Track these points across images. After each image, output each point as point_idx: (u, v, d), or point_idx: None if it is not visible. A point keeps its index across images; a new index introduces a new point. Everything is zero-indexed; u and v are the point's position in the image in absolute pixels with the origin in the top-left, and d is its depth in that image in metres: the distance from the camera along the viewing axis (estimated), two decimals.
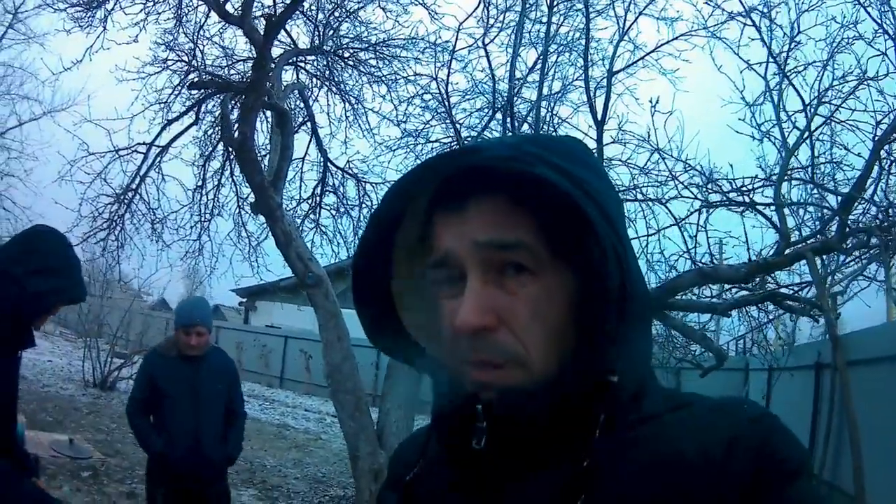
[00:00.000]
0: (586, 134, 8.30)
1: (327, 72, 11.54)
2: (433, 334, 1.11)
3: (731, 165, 7.30)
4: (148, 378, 5.71)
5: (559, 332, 0.99)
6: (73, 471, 9.15)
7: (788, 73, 7.02)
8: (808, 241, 6.90)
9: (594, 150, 7.87)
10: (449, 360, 1.05)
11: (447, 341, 1.03)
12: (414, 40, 10.56)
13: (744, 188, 7.10)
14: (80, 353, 20.69)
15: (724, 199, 7.22)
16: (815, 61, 7.06)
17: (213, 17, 10.16)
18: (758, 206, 7.06)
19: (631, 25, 7.97)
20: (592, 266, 0.97)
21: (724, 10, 7.32)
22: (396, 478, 1.19)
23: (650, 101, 7.40)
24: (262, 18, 8.66)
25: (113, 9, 10.05)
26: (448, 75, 8.66)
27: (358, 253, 1.11)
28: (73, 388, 18.29)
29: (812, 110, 6.97)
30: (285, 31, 10.83)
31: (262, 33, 7.87)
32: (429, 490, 1.11)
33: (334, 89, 11.64)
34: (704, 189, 7.31)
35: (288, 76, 11.37)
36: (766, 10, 7.03)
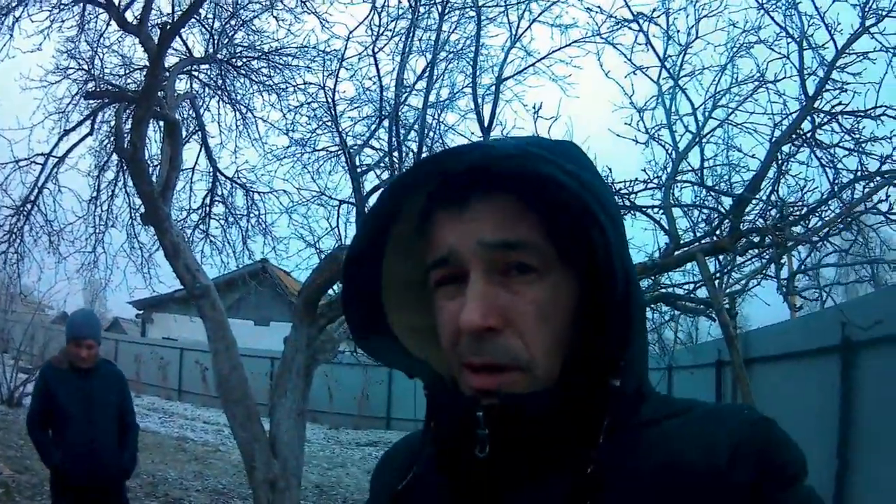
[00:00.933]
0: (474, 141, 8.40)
1: (220, 80, 11.51)
2: (427, 337, 1.11)
3: (610, 169, 7.33)
4: (43, 390, 5.82)
5: (563, 334, 0.99)
6: None
7: (681, 78, 7.20)
8: (700, 243, 7.04)
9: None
10: (447, 363, 1.05)
11: (446, 344, 1.02)
12: (305, 49, 10.63)
13: (622, 190, 7.20)
14: None
15: None
16: (711, 66, 7.27)
17: (114, 25, 10.03)
18: (643, 209, 7.22)
19: (524, 32, 8.03)
20: (597, 269, 0.95)
21: (613, 16, 7.44)
22: (382, 490, 1.18)
23: (532, 108, 7.46)
24: (157, 28, 8.64)
25: (20, 16, 9.97)
26: (336, 84, 8.69)
27: (351, 252, 1.10)
28: None
29: (707, 113, 7.17)
30: (181, 39, 10.79)
31: (157, 42, 7.87)
32: (423, 498, 1.08)
33: (226, 98, 11.65)
34: None
35: (182, 85, 11.37)
36: (651, 16, 7.20)
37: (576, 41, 7.84)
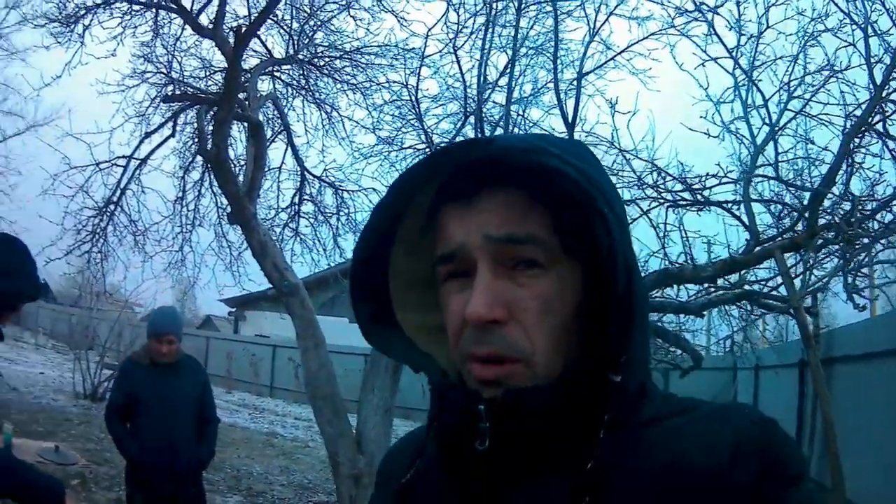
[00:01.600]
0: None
1: (303, 80, 11.58)
2: (433, 333, 1.12)
3: (682, 164, 7.25)
4: (124, 385, 5.95)
5: (566, 329, 1.00)
6: (60, 479, 9.29)
7: (755, 69, 6.99)
8: (779, 239, 6.86)
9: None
10: (451, 356, 1.06)
11: (451, 336, 1.03)
12: (386, 47, 10.63)
13: (694, 186, 7.09)
14: (71, 365, 20.76)
15: (679, 197, 7.24)
16: (783, 56, 7.02)
17: (189, 28, 10.18)
18: (722, 204, 7.04)
19: (601, 26, 7.89)
20: (601, 264, 0.97)
21: (679, 8, 7.27)
22: (387, 484, 1.18)
23: (609, 103, 7.41)
24: (231, 32, 8.71)
25: (90, 24, 10.11)
26: (418, 81, 8.73)
27: (358, 246, 1.10)
28: (63, 400, 18.39)
29: (782, 105, 6.95)
30: (260, 41, 10.94)
31: (233, 45, 7.93)
32: (424, 494, 1.09)
33: (310, 98, 11.71)
34: (661, 189, 7.34)
35: (265, 86, 11.45)
36: (715, 7, 7.00)
37: (653, 33, 7.68)
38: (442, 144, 8.67)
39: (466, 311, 0.96)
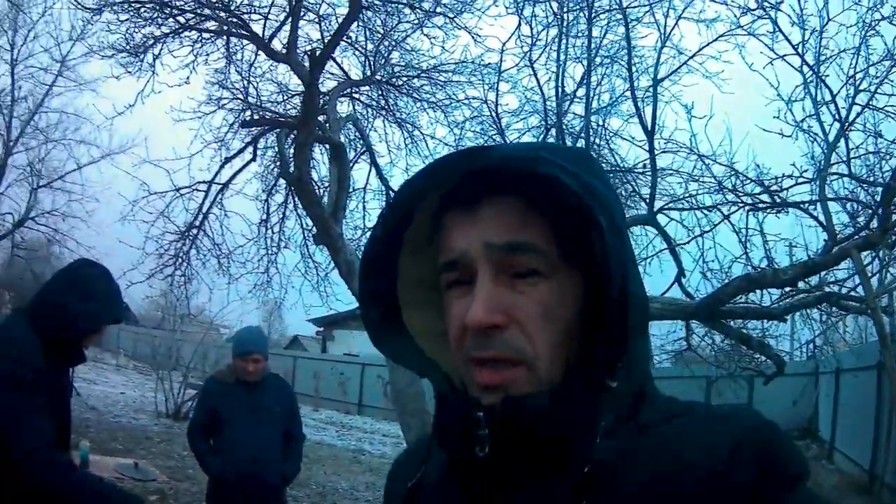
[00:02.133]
0: (640, 146, 8.34)
1: (382, 101, 11.62)
2: (439, 339, 1.12)
3: (759, 166, 7.14)
4: (207, 403, 6.00)
5: (566, 335, 1.00)
6: (139, 495, 9.44)
7: (821, 64, 6.88)
8: (855, 238, 6.72)
9: (647, 161, 7.95)
10: (454, 361, 1.07)
11: (453, 341, 1.04)
12: (463, 64, 10.65)
13: (772, 188, 6.95)
14: (153, 386, 21.22)
15: (758, 200, 7.09)
16: (846, 49, 6.89)
17: (263, 54, 10.31)
18: (801, 205, 6.95)
19: (671, 30, 7.94)
20: (598, 271, 0.97)
21: (745, 8, 7.27)
22: (396, 491, 1.19)
23: (685, 108, 7.37)
24: (306, 55, 8.76)
25: (160, 53, 10.29)
26: (497, 97, 8.71)
27: (366, 252, 1.12)
28: (145, 419, 18.80)
29: (850, 100, 6.80)
30: (336, 63, 11.05)
31: (308, 69, 7.96)
32: (431, 497, 1.11)
33: (390, 118, 11.75)
34: (740, 192, 7.20)
35: (344, 108, 11.52)
36: (776, 3, 6.91)
37: (721, 35, 7.72)
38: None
39: (466, 318, 0.98)
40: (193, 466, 10.48)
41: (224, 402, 5.80)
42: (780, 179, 6.89)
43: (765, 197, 7.05)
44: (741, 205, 7.14)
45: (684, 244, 8.01)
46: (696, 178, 7.79)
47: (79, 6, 10.06)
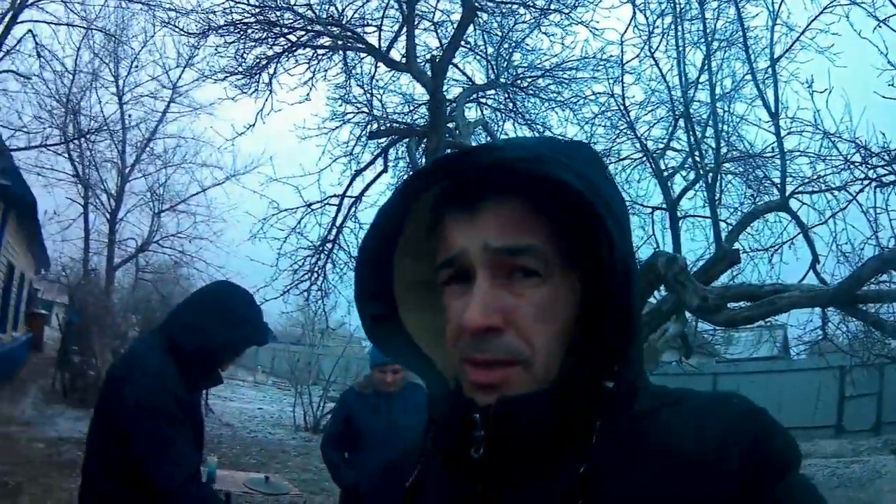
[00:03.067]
0: (764, 128, 8.18)
1: (510, 104, 11.60)
2: (437, 336, 1.10)
3: (883, 135, 6.70)
4: (344, 414, 5.97)
5: (563, 336, 0.99)
6: None
7: None
8: None
9: (774, 144, 7.72)
10: (450, 360, 1.06)
11: (450, 341, 1.03)
12: (585, 59, 10.54)
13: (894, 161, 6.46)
14: (292, 401, 21.73)
15: (888, 171, 6.64)
16: None
17: (383, 66, 10.44)
18: None
19: (779, 7, 7.76)
20: (600, 275, 0.98)
21: None
22: (395, 486, 1.17)
23: (805, 83, 7.16)
24: (426, 64, 8.81)
25: (275, 73, 10.46)
26: (623, 90, 8.56)
27: (362, 249, 1.12)
28: (282, 433, 19.19)
29: None
30: (459, 70, 11.11)
31: (430, 76, 7.98)
32: (428, 497, 1.11)
33: (520, 120, 11.69)
34: (869, 165, 6.79)
35: (472, 113, 11.49)
36: None
37: (825, 7, 7.53)
38: (656, 152, 8.61)
39: (463, 320, 0.97)
40: (329, 480, 10.75)
41: (361, 414, 5.79)
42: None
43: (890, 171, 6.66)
44: (867, 181, 6.78)
45: (814, 227, 7.75)
46: (823, 157, 7.51)
47: (183, 32, 10.44)
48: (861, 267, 6.25)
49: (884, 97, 6.42)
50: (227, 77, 10.49)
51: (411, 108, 11.79)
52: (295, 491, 7.24)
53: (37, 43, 11.67)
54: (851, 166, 6.94)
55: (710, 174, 7.87)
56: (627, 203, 9.30)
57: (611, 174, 1.09)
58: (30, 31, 11.61)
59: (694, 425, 0.94)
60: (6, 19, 11.06)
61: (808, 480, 0.94)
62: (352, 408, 5.90)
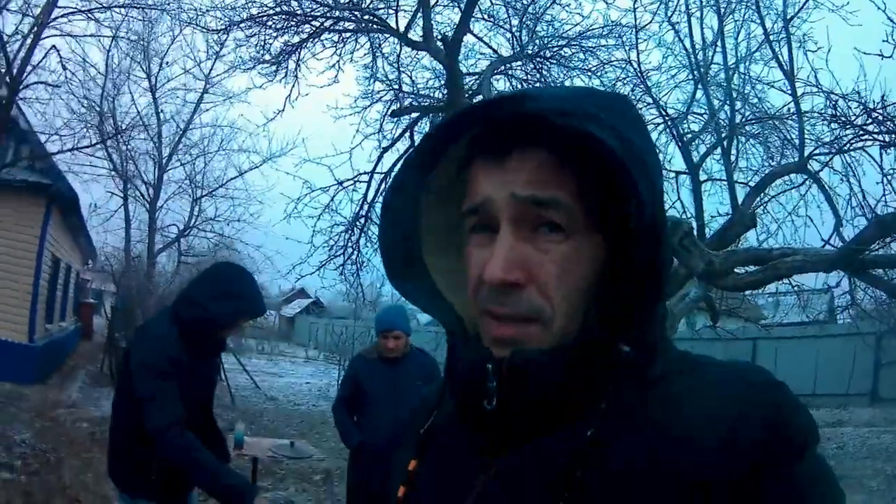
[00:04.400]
0: (781, 89, 8.09)
1: (537, 74, 11.56)
2: (456, 281, 1.12)
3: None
4: (351, 379, 6.28)
5: (584, 295, 0.98)
6: (304, 474, 10.08)
7: None
8: None
9: (791, 105, 7.67)
10: (470, 308, 1.07)
11: (471, 289, 1.03)
12: (607, 26, 10.57)
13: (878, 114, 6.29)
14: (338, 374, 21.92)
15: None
16: None
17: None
18: None
19: None
20: (627, 236, 0.95)
21: None
22: (410, 434, 1.20)
23: (800, 44, 7.22)
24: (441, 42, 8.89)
25: (302, 58, 10.65)
26: (638, 55, 8.63)
27: (390, 191, 1.11)
28: (325, 405, 19.30)
29: None
30: (485, 43, 11.18)
31: (444, 52, 8.07)
32: (441, 445, 1.12)
33: None
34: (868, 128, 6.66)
35: (502, 85, 11.60)
36: None
37: None
38: (677, 116, 8.60)
39: (485, 273, 0.97)
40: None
41: (367, 379, 6.09)
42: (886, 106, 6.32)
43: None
44: (873, 141, 6.69)
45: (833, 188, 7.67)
46: (838, 119, 7.43)
47: (206, 30, 10.75)
48: (860, 232, 6.28)
49: (883, 56, 6.29)
50: (254, 66, 10.75)
51: (440, 83, 11.81)
52: (318, 454, 7.45)
53: (61, 58, 12.03)
54: (856, 127, 6.85)
55: (726, 138, 7.86)
56: None
57: (646, 130, 1.06)
58: (53, 46, 11.96)
59: (707, 396, 0.92)
60: (28, 41, 11.38)
61: (824, 462, 0.92)
62: (359, 373, 6.21)
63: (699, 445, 0.87)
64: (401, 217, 1.12)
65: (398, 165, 1.13)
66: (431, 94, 11.67)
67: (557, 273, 0.96)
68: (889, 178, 6.51)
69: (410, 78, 11.72)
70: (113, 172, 25.77)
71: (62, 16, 12.88)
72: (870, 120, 6.46)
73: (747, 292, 9.16)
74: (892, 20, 6.09)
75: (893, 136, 6.30)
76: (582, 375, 0.97)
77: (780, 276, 6.43)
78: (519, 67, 11.72)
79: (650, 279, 0.96)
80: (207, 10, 10.87)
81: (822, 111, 7.58)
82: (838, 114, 6.97)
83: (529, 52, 11.02)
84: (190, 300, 3.84)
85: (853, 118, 6.77)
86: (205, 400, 4.06)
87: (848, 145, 7.04)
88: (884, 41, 6.14)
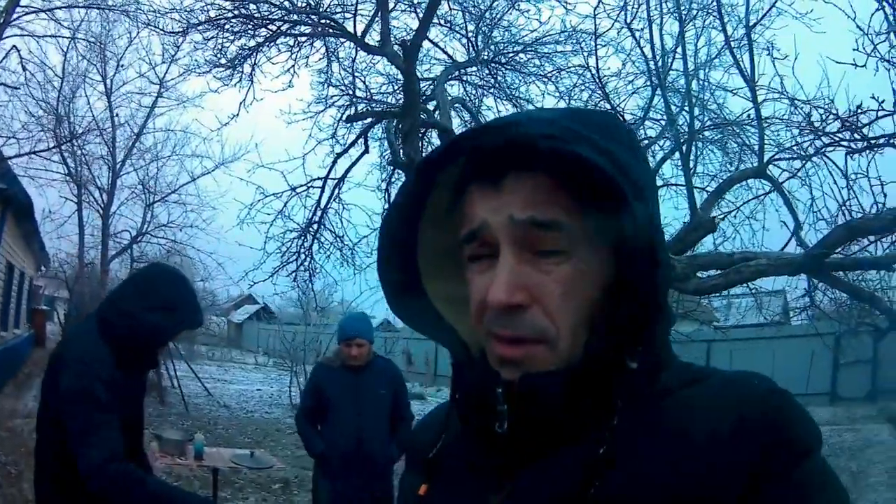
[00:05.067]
0: (743, 96, 8.17)
1: (491, 79, 11.65)
2: (461, 306, 1.11)
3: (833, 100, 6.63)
4: (314, 388, 6.22)
5: (590, 311, 0.99)
6: (262, 484, 9.96)
7: None
8: None
9: (752, 111, 7.71)
10: (475, 333, 1.07)
11: (474, 313, 1.03)
12: (564, 33, 10.59)
13: (853, 125, 6.34)
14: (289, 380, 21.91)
15: (849, 140, 6.52)
16: None
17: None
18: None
19: None
20: (624, 249, 0.97)
21: None
22: (417, 458, 1.19)
23: (767, 50, 7.31)
24: (399, 47, 8.82)
25: (257, 63, 10.52)
26: (597, 61, 8.62)
27: (386, 220, 1.11)
28: (278, 412, 19.53)
29: None
30: (440, 49, 11.21)
31: (402, 58, 8.03)
32: (450, 467, 1.11)
33: (501, 94, 11.72)
34: (831, 134, 6.71)
35: (455, 90, 11.64)
36: None
37: None
38: (633, 122, 8.56)
39: (488, 297, 0.97)
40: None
41: (330, 387, 6.01)
42: (858, 113, 6.32)
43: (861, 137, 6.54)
44: (834, 146, 6.75)
45: (788, 191, 7.79)
46: (798, 125, 7.52)
47: (164, 32, 10.57)
48: (827, 235, 6.31)
49: (837, 62, 6.39)
50: (210, 70, 10.58)
51: (395, 88, 11.78)
52: (279, 465, 7.39)
53: (21, 58, 11.77)
54: (820, 134, 6.90)
55: (685, 143, 7.88)
56: None
57: (637, 145, 1.08)
58: (14, 46, 11.70)
59: (711, 406, 0.93)
60: None
61: (827, 466, 0.93)
62: (321, 381, 6.15)
63: (704, 452, 0.88)
64: (398, 244, 1.12)
65: (393, 195, 1.13)
66: (385, 100, 11.59)
67: (560, 294, 0.97)
68: (851, 183, 6.59)
69: (364, 83, 11.66)
70: (67, 177, 25.65)
71: (24, 14, 12.65)
72: (842, 127, 6.48)
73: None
74: (861, 29, 6.11)
75: (863, 143, 6.29)
76: (590, 394, 0.97)
77: (743, 279, 6.49)
78: (474, 73, 11.73)
79: (652, 294, 0.96)
80: (167, 12, 10.71)
81: (786, 117, 7.69)
82: (811, 120, 7.02)
83: (485, 57, 11.02)
84: (120, 311, 3.32)
85: (823, 125, 6.82)
86: (135, 422, 3.49)
87: (816, 151, 7.12)
88: (854, 49, 6.14)
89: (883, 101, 6.05)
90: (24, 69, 12.38)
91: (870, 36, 6.07)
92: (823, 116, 6.83)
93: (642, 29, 8.28)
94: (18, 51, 11.66)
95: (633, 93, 9.47)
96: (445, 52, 11.33)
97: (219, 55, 10.31)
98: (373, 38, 9.83)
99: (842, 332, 10.46)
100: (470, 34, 10.91)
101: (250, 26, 9.91)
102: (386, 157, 11.89)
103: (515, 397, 0.98)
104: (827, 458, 0.94)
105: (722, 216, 8.22)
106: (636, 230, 0.93)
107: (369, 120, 11.15)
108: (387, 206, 11.71)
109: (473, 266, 1.04)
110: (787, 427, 0.90)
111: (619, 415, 0.96)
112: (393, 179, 11.94)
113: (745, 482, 0.85)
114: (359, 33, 9.69)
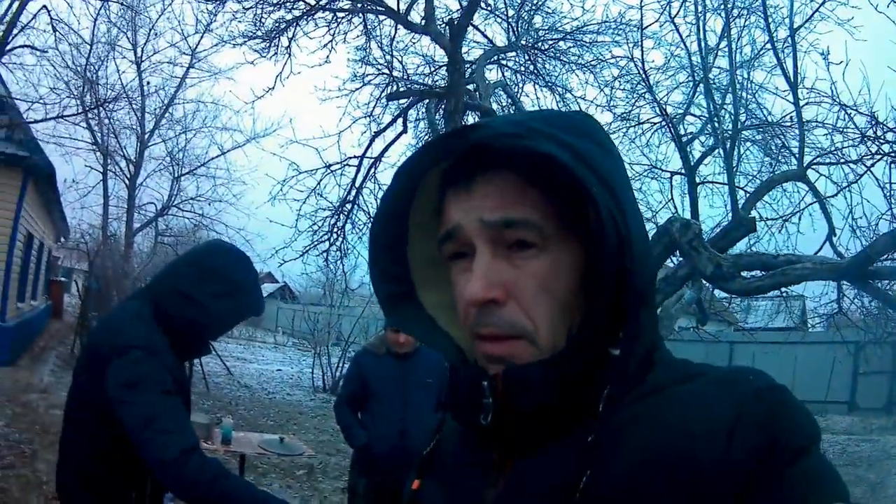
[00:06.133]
0: (785, 98, 8.09)
1: (531, 66, 11.56)
2: (452, 311, 1.12)
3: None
4: (357, 375, 5.97)
5: (566, 306, 1.01)
6: (286, 469, 9.82)
7: None
8: None
9: (793, 114, 7.66)
10: (464, 333, 1.08)
11: (461, 316, 1.05)
12: (606, 23, 10.52)
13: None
14: (311, 362, 21.88)
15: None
16: None
17: (402, 28, 10.43)
18: None
19: None
20: (592, 238, 0.98)
21: None
22: (416, 458, 1.23)
23: (822, 54, 7.06)
24: (445, 26, 8.77)
25: (294, 36, 10.44)
26: (642, 54, 8.50)
27: (373, 230, 1.14)
28: (300, 395, 19.32)
29: None
30: (480, 32, 11.11)
31: (448, 38, 7.97)
32: (446, 463, 1.15)
33: (540, 82, 11.65)
34: (880, 141, 6.67)
35: (493, 75, 11.52)
36: None
37: None
38: (675, 116, 8.60)
39: (465, 294, 1.00)
40: (345, 440, 10.89)
41: (374, 375, 5.81)
42: None
43: None
44: (882, 156, 6.68)
45: (831, 197, 7.75)
46: (840, 129, 7.43)
47: (199, 0, 10.60)
48: (873, 242, 6.20)
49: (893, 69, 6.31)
50: (245, 42, 10.53)
51: (432, 69, 11.80)
52: (309, 452, 7.29)
53: (51, 18, 11.67)
54: (866, 140, 6.83)
55: (728, 141, 7.84)
56: (646, 167, 9.36)
57: (608, 141, 1.09)
58: (44, 6, 11.61)
59: (707, 401, 0.93)
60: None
61: (825, 461, 0.91)
62: (365, 368, 5.92)
63: (699, 448, 0.88)
64: (391, 256, 1.16)
65: (379, 198, 1.15)
66: (422, 81, 11.54)
67: (535, 287, 0.99)
68: (892, 191, 6.60)
69: (401, 63, 11.60)
70: (94, 146, 25.38)
71: None
72: (876, 133, 6.50)
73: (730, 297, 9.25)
74: None
75: None
76: (574, 383, 0.98)
77: (789, 282, 6.43)
78: (512, 58, 11.68)
79: (623, 280, 0.96)
80: None
81: (829, 122, 7.59)
82: (843, 126, 7.01)
83: (524, 43, 10.95)
84: (182, 294, 2.94)
85: (864, 130, 6.77)
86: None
87: (860, 158, 7.04)
88: None
89: None
90: (55, 30, 12.26)
91: None
92: (867, 124, 6.80)
93: (685, 23, 8.28)
94: (49, 11, 11.54)
95: (675, 87, 9.42)
96: (485, 36, 11.29)
97: (256, 26, 10.28)
98: (414, 17, 9.79)
99: (865, 341, 10.36)
100: (511, 19, 10.83)
101: None
102: (423, 139, 11.82)
103: (500, 389, 0.99)
104: (846, 468, 0.91)
105: (772, 218, 8.18)
106: (599, 218, 0.94)
107: (409, 100, 11.09)
108: None
109: (455, 267, 1.07)
110: (784, 424, 0.89)
111: (609, 404, 0.96)
112: None
113: (743, 480, 0.85)
114: (401, 11, 9.63)
